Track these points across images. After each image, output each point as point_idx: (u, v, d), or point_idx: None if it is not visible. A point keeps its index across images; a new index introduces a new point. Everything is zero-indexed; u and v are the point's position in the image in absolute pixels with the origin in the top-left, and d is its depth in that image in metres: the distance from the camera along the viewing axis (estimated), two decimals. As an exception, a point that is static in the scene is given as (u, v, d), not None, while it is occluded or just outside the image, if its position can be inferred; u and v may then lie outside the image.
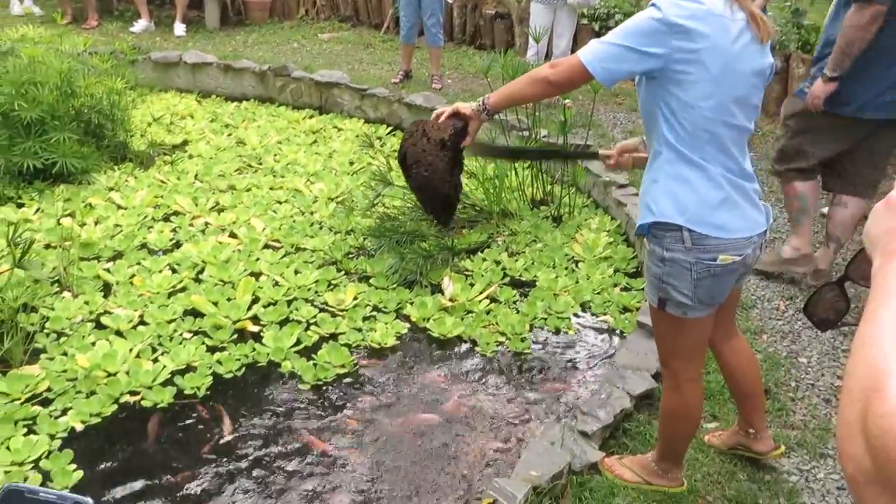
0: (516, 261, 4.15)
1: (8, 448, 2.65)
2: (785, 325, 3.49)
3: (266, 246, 4.24)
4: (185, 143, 5.81)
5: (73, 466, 2.60)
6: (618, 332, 3.54)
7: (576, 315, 3.68)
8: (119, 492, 2.52)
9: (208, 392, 3.03)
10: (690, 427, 2.33)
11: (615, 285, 3.93)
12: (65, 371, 3.06)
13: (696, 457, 2.61)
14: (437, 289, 3.87)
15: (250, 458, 2.69)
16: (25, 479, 2.50)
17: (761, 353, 3.18)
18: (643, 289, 3.82)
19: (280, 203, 4.80)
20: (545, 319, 3.59)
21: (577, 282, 3.95)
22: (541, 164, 4.83)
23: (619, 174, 4.89)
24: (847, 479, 0.68)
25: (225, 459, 2.68)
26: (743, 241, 2.00)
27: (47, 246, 4.06)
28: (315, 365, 3.18)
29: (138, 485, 2.55)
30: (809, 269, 3.77)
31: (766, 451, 2.52)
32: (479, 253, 4.24)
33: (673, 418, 2.30)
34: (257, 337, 3.40)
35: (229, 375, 3.13)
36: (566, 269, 4.10)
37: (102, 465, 2.64)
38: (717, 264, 1.99)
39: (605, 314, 3.68)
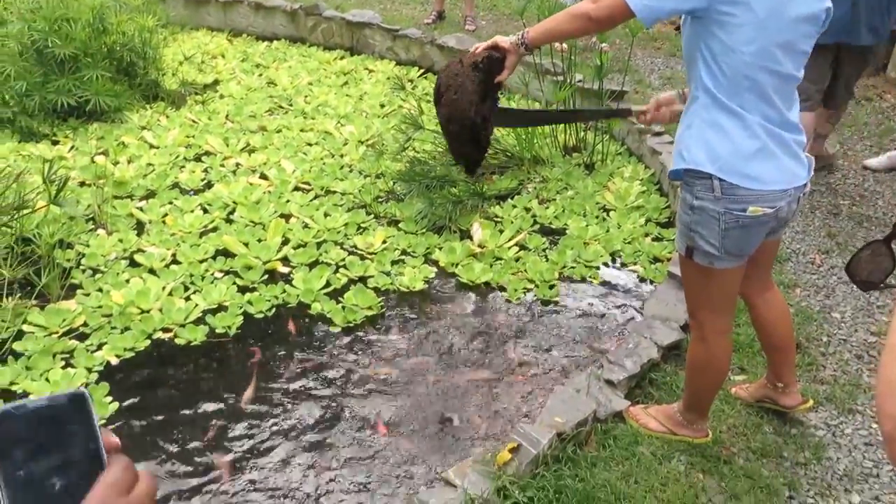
0: (546, 208, 4.11)
1: (47, 379, 2.73)
2: (819, 279, 3.43)
3: (296, 188, 4.25)
4: (217, 82, 5.79)
5: (110, 399, 2.68)
6: (647, 282, 3.51)
7: (605, 264, 3.65)
8: (153, 424, 2.59)
9: (239, 331, 3.08)
10: (716, 379, 2.31)
11: (646, 235, 3.88)
12: (100, 307, 3.12)
13: (722, 408, 2.61)
14: (465, 234, 3.85)
15: (282, 396, 2.74)
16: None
17: (794, 307, 3.14)
18: (674, 239, 3.76)
19: (310, 145, 4.79)
20: (574, 268, 3.57)
21: (607, 231, 3.91)
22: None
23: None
24: (885, 437, 0.66)
25: (256, 399, 2.73)
26: (777, 194, 1.94)
27: (82, 184, 4.11)
28: (343, 308, 3.21)
29: (171, 418, 2.62)
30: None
31: (794, 405, 2.51)
32: (508, 199, 4.20)
33: (699, 370, 2.29)
34: (287, 278, 3.43)
35: (259, 315, 3.18)
36: (597, 217, 4.05)
37: (137, 398, 2.71)
38: (747, 215, 1.94)
39: (635, 264, 3.65)
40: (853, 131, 5.05)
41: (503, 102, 5.16)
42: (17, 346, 2.88)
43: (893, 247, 1.00)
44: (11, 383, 2.71)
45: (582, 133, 4.83)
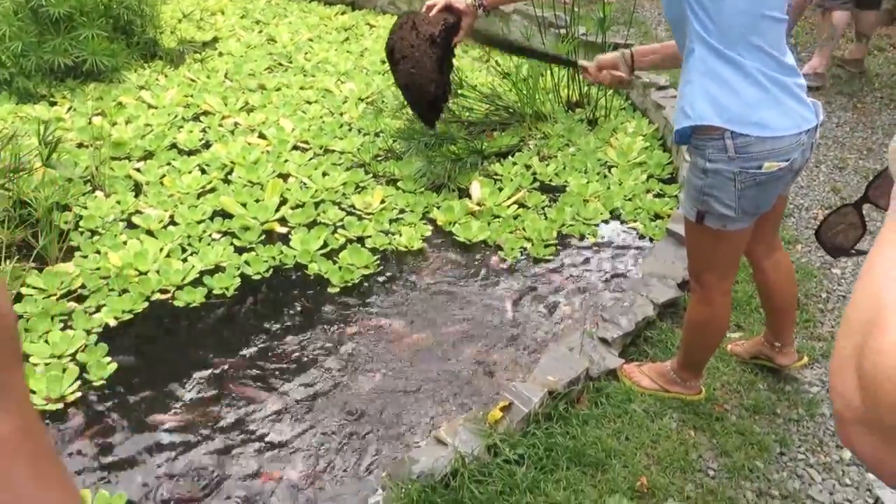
0: (547, 165, 4.07)
1: (46, 341, 2.76)
2: (822, 235, 3.38)
3: (294, 147, 4.22)
4: (216, 40, 5.73)
5: (108, 360, 2.71)
6: (646, 239, 3.48)
7: (605, 222, 3.62)
8: (152, 384, 2.62)
9: (237, 292, 3.09)
10: (716, 339, 2.30)
11: (648, 191, 3.83)
12: (98, 269, 3.14)
13: (717, 366, 2.60)
14: (464, 193, 3.83)
15: (279, 356, 2.76)
16: (64, 371, 2.61)
17: (794, 263, 3.08)
18: (677, 195, 3.73)
19: (309, 103, 4.74)
20: (573, 226, 3.54)
21: (608, 188, 3.86)
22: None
23: (659, 74, 4.68)
24: (835, 414, 0.64)
25: (255, 357, 2.75)
26: (789, 144, 1.88)
27: (80, 145, 4.10)
28: (340, 268, 3.20)
29: (171, 378, 2.65)
30: (824, 85, 4.82)
31: (789, 363, 2.50)
32: (509, 157, 4.16)
33: (699, 330, 2.27)
34: (285, 239, 3.43)
35: (257, 276, 3.18)
36: (598, 174, 4.00)
37: (136, 360, 2.74)
38: (763, 172, 1.90)
39: (634, 221, 3.61)
40: (864, 83, 4.93)
41: (502, 59, 5.06)
42: (16, 309, 2.90)
43: (865, 212, 0.97)
44: (11, 345, 2.74)
45: (585, 88, 4.74)
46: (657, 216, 3.63)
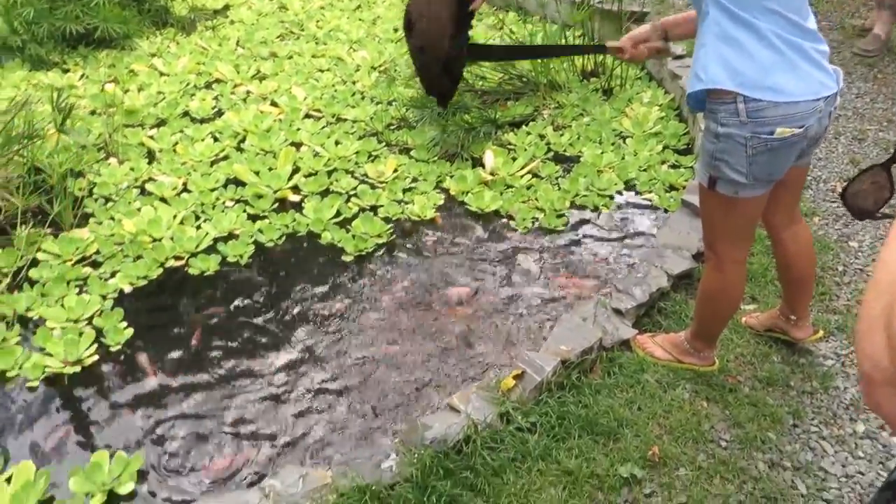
0: (561, 135, 4.03)
1: (63, 306, 2.78)
2: (839, 207, 3.34)
3: (307, 115, 4.20)
4: (227, 7, 5.68)
5: (125, 324, 2.73)
6: (662, 210, 3.45)
7: (619, 193, 3.59)
8: (169, 350, 2.64)
9: (250, 260, 3.10)
10: (729, 309, 2.28)
11: (663, 162, 3.79)
12: (112, 235, 3.15)
13: (731, 337, 2.59)
14: (478, 162, 3.80)
15: (293, 323, 2.77)
16: (80, 335, 2.63)
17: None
18: (692, 166, 3.69)
19: (322, 71, 4.71)
20: (586, 196, 3.52)
21: (623, 158, 3.82)
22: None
23: (676, 44, 4.61)
24: (861, 377, 0.63)
25: (269, 323, 2.76)
26: (804, 110, 1.85)
27: (92, 112, 4.09)
28: (354, 236, 3.20)
29: (185, 344, 2.67)
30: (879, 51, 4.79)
31: (804, 337, 2.48)
32: (523, 126, 4.12)
33: (712, 299, 2.26)
34: (298, 207, 3.42)
35: (270, 244, 3.19)
36: (613, 144, 3.96)
37: (151, 325, 2.76)
38: (775, 138, 1.86)
39: (649, 192, 3.58)
40: (885, 52, 4.84)
41: (517, 26, 5.01)
42: (32, 274, 2.93)
43: (893, 172, 0.94)
44: (27, 309, 2.77)
45: (601, 57, 4.68)
46: (672, 187, 3.60)
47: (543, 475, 2.08)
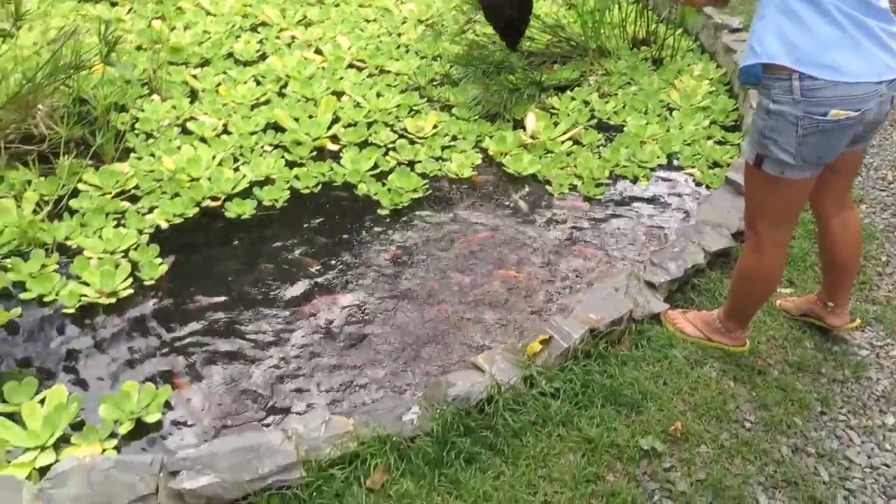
0: (606, 103, 3.95)
1: (100, 237, 2.82)
2: (889, 196, 3.25)
3: (350, 65, 4.17)
4: (277, -50, 5.60)
5: (159, 260, 2.76)
6: (703, 186, 3.39)
7: (660, 166, 3.52)
8: (201, 288, 2.67)
9: (286, 205, 3.11)
10: (764, 291, 2.24)
11: (709, 138, 3.71)
12: (152, 171, 3.18)
13: (764, 320, 2.55)
14: (519, 125, 3.75)
15: (324, 272, 2.78)
16: (117, 267, 2.68)
17: (855, 224, 2.99)
18: (739, 144, 3.60)
19: (368, 21, 4.66)
20: (627, 167, 3.46)
21: (667, 130, 3.74)
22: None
23: (733, 17, 4.47)
24: None
25: (301, 271, 2.78)
26: (864, 93, 1.77)
27: (138, 47, 4.11)
28: (389, 190, 3.19)
29: (219, 284, 2.69)
30: None
31: (840, 325, 2.43)
32: (567, 91, 4.05)
33: (748, 279, 2.21)
34: (336, 156, 3.41)
35: (306, 191, 3.19)
36: (658, 116, 3.88)
37: (185, 262, 2.79)
38: (827, 120, 1.80)
39: (692, 167, 3.51)
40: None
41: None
42: (72, 204, 2.97)
43: None
44: (66, 238, 2.81)
45: (653, 25, 4.56)
46: (716, 164, 3.52)
47: (563, 441, 2.08)
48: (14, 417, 2.13)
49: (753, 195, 2.08)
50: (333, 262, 2.83)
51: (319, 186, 3.23)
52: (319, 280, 2.74)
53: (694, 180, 3.43)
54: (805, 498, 1.98)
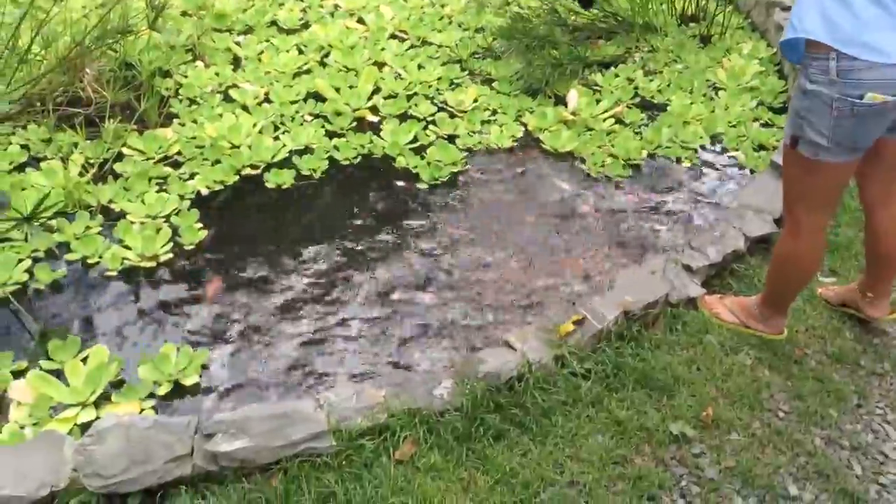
0: (651, 80, 3.88)
1: (143, 201, 2.87)
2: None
3: (392, 36, 4.14)
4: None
5: (199, 226, 2.81)
6: (746, 170, 3.31)
7: (703, 147, 3.45)
8: (239, 255, 2.71)
9: (324, 175, 3.12)
10: (802, 278, 2.20)
11: (755, 120, 3.62)
12: (194, 138, 3.22)
13: (804, 308, 2.51)
14: (561, 101, 3.70)
15: (360, 243, 2.80)
16: (158, 231, 2.73)
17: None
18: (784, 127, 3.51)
19: (411, -9, 4.61)
20: (669, 148, 3.39)
21: (712, 111, 3.66)
22: None
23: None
24: None
25: (338, 242, 2.80)
26: None
27: (183, 13, 4.13)
28: (429, 163, 3.19)
29: (257, 251, 2.73)
30: None
31: (879, 316, 2.38)
32: (612, 67, 3.98)
33: (784, 265, 2.17)
34: (375, 128, 3.41)
35: (345, 162, 3.20)
36: (704, 95, 3.80)
37: (224, 229, 2.83)
38: (863, 103, 1.74)
39: (736, 149, 3.43)
40: None
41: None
42: (117, 167, 3.02)
43: None
44: (110, 201, 2.87)
45: (703, 2, 4.44)
46: (762, 147, 3.44)
47: (592, 422, 2.08)
48: (58, 374, 2.20)
49: (790, 177, 2.05)
50: (371, 233, 2.84)
51: (358, 158, 3.23)
52: (357, 251, 2.76)
53: (738, 163, 3.36)
54: (836, 491, 1.96)
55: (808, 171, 1.94)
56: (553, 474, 1.93)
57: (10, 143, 3.08)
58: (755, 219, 2.78)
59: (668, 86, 3.86)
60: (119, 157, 3.08)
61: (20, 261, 2.56)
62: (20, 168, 2.98)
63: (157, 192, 2.93)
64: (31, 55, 3.15)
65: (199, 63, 3.73)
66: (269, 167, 3.11)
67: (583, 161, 3.29)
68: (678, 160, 3.35)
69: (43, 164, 2.96)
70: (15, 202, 2.71)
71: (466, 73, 3.87)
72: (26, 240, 2.63)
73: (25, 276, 2.52)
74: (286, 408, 1.94)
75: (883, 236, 2.21)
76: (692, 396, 2.17)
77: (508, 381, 2.11)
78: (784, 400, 2.20)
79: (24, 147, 3.08)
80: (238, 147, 3.18)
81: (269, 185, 3.03)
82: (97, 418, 2.06)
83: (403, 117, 3.49)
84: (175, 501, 1.82)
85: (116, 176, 3.00)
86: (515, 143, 3.38)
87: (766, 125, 3.58)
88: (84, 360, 2.24)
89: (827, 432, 2.12)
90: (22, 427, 2.05)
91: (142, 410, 2.12)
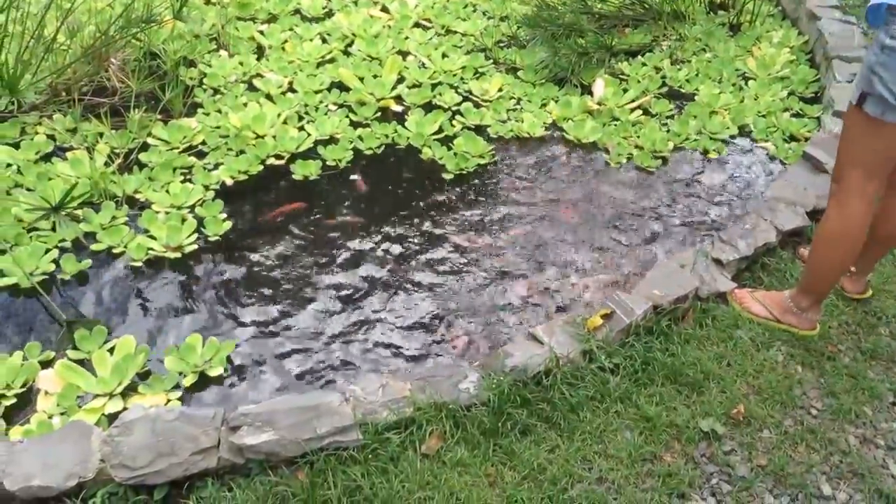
0: (679, 69, 3.81)
1: (168, 191, 2.87)
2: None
3: (416, 24, 4.11)
4: None
5: (224, 216, 2.80)
6: (777, 161, 3.25)
7: (731, 138, 3.39)
8: (265, 244, 2.70)
9: (349, 165, 3.11)
10: (847, 254, 2.12)
11: (785, 110, 3.54)
12: (218, 127, 3.21)
13: (837, 304, 2.45)
14: (587, 90, 3.65)
15: (385, 234, 2.78)
16: (183, 222, 2.72)
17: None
18: (818, 117, 3.43)
19: (435, -21, 4.55)
20: (697, 140, 3.33)
21: (741, 101, 3.59)
22: None
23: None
24: None
25: (361, 231, 2.78)
26: None
27: (207, 2, 4.11)
28: (455, 154, 3.15)
29: (283, 240, 2.72)
30: None
31: (854, 291, 2.46)
32: (639, 56, 3.91)
33: (830, 241, 2.10)
34: (399, 117, 3.39)
35: (369, 152, 3.18)
36: (733, 85, 3.72)
37: (249, 220, 2.82)
38: None
39: (766, 141, 3.36)
40: None
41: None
42: (142, 157, 3.02)
43: None
44: (136, 191, 2.87)
45: (732, -12, 4.35)
46: (793, 138, 3.37)
47: (620, 417, 2.05)
48: (85, 364, 2.21)
49: (850, 138, 2.01)
50: (397, 224, 2.82)
51: (382, 148, 3.21)
52: (384, 242, 2.74)
53: (768, 154, 3.29)
54: (871, 491, 1.92)
55: (872, 131, 1.93)
56: (581, 470, 1.91)
57: (37, 133, 3.09)
58: (787, 211, 2.72)
59: (697, 75, 3.79)
60: (144, 146, 3.08)
61: (47, 251, 2.57)
62: (46, 158, 2.99)
63: (182, 182, 2.93)
64: (57, 45, 3.15)
65: (222, 52, 3.72)
66: (293, 157, 3.10)
67: (606, 151, 3.25)
68: (706, 152, 3.28)
69: (69, 154, 2.97)
70: (42, 192, 2.72)
71: (491, 62, 3.82)
72: (54, 230, 2.64)
73: (52, 267, 2.52)
74: (312, 401, 1.93)
75: (890, 217, 2.20)
76: (722, 393, 2.13)
77: (535, 376, 2.09)
78: (817, 397, 2.16)
79: (50, 137, 3.08)
80: (262, 137, 3.17)
81: (297, 176, 3.01)
82: (124, 409, 2.06)
83: (428, 107, 3.46)
84: (201, 493, 1.82)
85: (142, 166, 2.99)
86: (547, 132, 3.35)
87: (797, 115, 3.51)
88: (111, 350, 2.25)
89: (861, 431, 2.07)
90: (50, 416, 2.06)
91: (168, 401, 2.13)
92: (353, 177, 3.00)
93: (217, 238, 2.72)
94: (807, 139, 3.27)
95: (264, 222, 2.80)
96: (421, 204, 2.93)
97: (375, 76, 3.60)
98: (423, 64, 3.75)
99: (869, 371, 2.24)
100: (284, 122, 3.28)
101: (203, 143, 3.14)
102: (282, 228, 2.78)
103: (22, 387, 2.14)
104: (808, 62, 3.90)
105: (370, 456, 1.88)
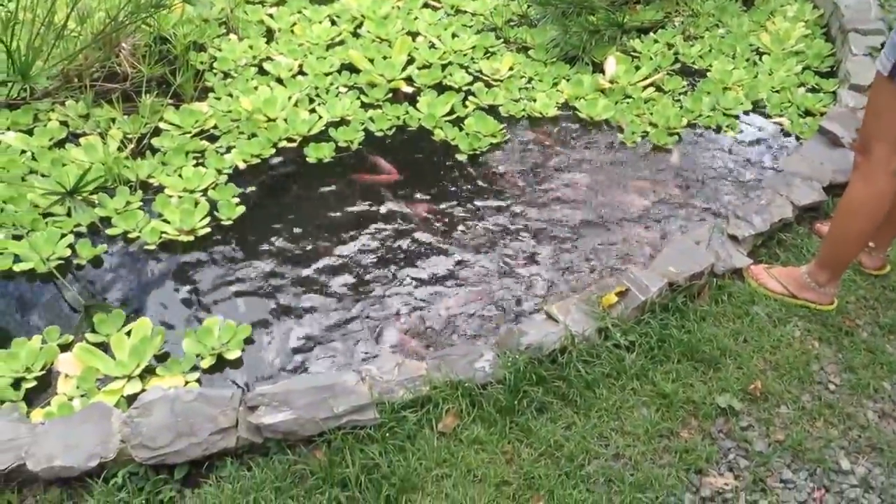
0: (692, 46, 3.77)
1: (180, 175, 2.88)
2: None
3: (425, 5, 4.08)
4: None
5: (237, 200, 2.80)
6: (792, 137, 3.21)
7: (745, 113, 3.35)
8: (275, 228, 2.71)
9: (360, 146, 3.10)
10: (869, 226, 2.10)
11: (800, 85, 3.50)
12: (230, 111, 3.20)
13: (854, 279, 2.43)
14: (598, 68, 3.62)
15: (397, 217, 2.78)
16: (196, 205, 2.73)
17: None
18: (834, 91, 3.39)
19: (444, -41, 4.52)
20: (710, 117, 3.30)
21: (755, 76, 3.55)
22: None
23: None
24: None
25: (377, 214, 2.78)
26: None
27: (216, -15, 4.10)
28: (467, 134, 3.14)
29: (295, 224, 2.72)
30: None
31: (871, 267, 2.44)
32: (651, 33, 3.87)
33: (851, 213, 2.08)
34: (410, 99, 3.37)
35: (380, 134, 3.17)
36: (747, 60, 3.68)
37: (261, 202, 2.82)
38: None
39: (780, 116, 3.33)
40: None
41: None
42: (154, 142, 3.03)
43: None
44: (149, 176, 2.88)
45: (745, -38, 4.29)
46: (808, 112, 3.33)
47: (637, 394, 2.05)
48: (103, 347, 2.23)
49: (878, 110, 1.98)
50: (412, 205, 2.82)
51: (394, 129, 3.20)
52: (398, 222, 2.74)
53: (783, 130, 3.26)
54: (890, 465, 1.91)
55: None
56: (598, 447, 1.91)
57: (50, 120, 3.10)
58: (803, 186, 2.70)
59: (710, 51, 3.76)
60: (156, 131, 3.08)
61: (63, 236, 2.59)
62: (60, 144, 3.00)
63: (195, 166, 2.93)
64: (68, 31, 3.15)
65: (232, 36, 3.71)
66: (306, 140, 3.09)
67: (620, 130, 3.22)
68: (719, 128, 3.25)
69: (82, 140, 2.98)
70: (57, 177, 2.74)
71: (501, 41, 3.79)
72: (69, 215, 2.66)
73: (68, 252, 2.54)
74: (329, 380, 1.94)
75: None
76: (739, 369, 2.13)
77: (551, 354, 2.08)
78: (835, 372, 2.15)
79: (63, 123, 3.10)
80: (274, 120, 3.17)
81: (311, 160, 3.01)
82: (143, 390, 2.08)
83: (438, 87, 3.44)
84: (221, 472, 1.84)
85: (154, 151, 3.00)
86: (559, 111, 3.32)
87: (812, 90, 3.47)
88: (128, 333, 2.27)
89: (880, 405, 2.06)
90: (70, 399, 2.08)
91: (186, 383, 2.14)
92: (378, 163, 3.00)
93: (230, 221, 2.72)
94: (822, 114, 3.23)
95: (353, 182, 2.90)
96: (436, 182, 2.92)
97: (385, 57, 3.59)
98: (433, 44, 3.73)
99: (887, 346, 2.23)
100: (295, 105, 3.27)
101: (215, 126, 3.14)
102: (293, 209, 2.79)
103: (42, 370, 2.16)
104: (824, 36, 3.85)
105: (387, 434, 1.89)
